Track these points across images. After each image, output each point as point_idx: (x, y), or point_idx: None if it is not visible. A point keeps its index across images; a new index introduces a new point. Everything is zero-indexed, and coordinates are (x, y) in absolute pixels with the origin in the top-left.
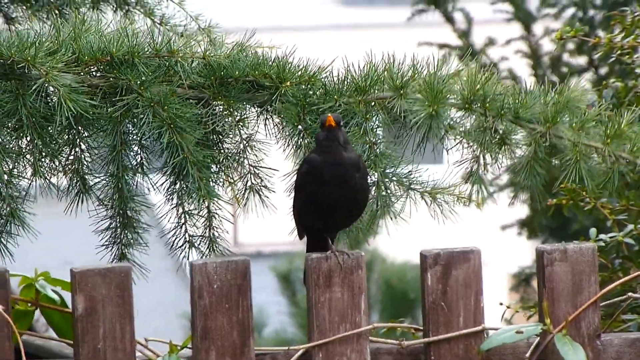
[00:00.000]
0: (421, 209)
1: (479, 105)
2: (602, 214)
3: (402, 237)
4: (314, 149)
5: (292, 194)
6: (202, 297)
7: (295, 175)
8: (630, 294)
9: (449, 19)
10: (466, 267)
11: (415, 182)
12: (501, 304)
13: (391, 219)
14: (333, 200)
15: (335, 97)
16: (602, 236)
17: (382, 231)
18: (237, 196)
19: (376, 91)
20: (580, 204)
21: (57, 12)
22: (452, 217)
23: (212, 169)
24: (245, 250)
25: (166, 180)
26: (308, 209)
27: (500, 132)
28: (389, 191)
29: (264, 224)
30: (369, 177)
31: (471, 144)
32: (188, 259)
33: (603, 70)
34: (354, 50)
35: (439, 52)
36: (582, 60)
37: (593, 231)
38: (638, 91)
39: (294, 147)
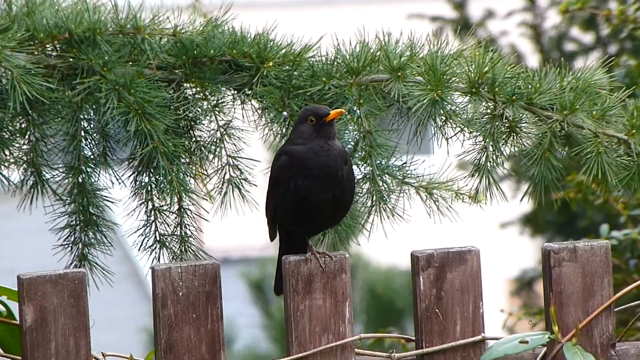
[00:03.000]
0: (413, 206)
1: (486, 89)
2: (614, 209)
3: (387, 238)
4: (290, 140)
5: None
6: (166, 306)
7: (271, 170)
8: None
9: None
10: (463, 269)
11: (409, 175)
12: (502, 310)
13: (387, 216)
14: (317, 196)
15: (323, 79)
16: (614, 233)
17: (372, 231)
18: (212, 191)
19: (370, 73)
20: (590, 197)
21: None
22: (450, 214)
23: (183, 160)
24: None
25: (132, 172)
26: (286, 207)
27: (510, 119)
28: (385, 185)
29: (232, 226)
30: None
31: (475, 133)
32: (159, 260)
33: (613, 49)
34: (338, 28)
35: (431, 25)
36: (588, 37)
37: (605, 228)
38: None
39: (278, 135)
